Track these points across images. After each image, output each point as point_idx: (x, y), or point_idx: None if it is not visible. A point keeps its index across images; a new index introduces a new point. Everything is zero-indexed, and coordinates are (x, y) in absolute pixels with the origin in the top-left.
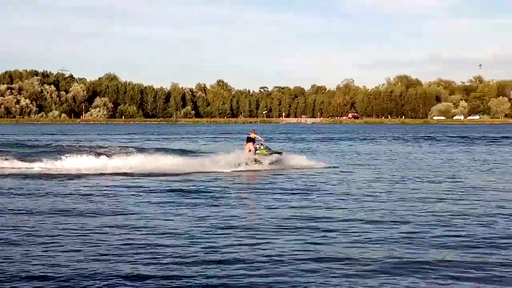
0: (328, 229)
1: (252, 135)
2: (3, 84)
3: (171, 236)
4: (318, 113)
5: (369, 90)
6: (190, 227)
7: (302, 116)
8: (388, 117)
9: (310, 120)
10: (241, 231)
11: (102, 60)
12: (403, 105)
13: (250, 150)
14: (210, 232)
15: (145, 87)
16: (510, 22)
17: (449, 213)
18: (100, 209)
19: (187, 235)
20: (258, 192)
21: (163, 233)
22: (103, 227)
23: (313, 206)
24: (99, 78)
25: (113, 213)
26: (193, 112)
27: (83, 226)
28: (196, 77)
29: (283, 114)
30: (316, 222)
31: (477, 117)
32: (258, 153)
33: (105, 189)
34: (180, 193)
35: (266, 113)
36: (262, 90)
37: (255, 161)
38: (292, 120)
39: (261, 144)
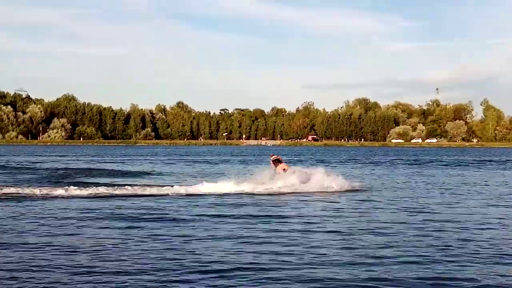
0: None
1: (278, 157)
2: None
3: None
4: (279, 135)
5: (329, 113)
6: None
7: (263, 138)
8: (347, 140)
9: (270, 142)
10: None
11: (61, 80)
12: (362, 127)
13: (285, 170)
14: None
15: (104, 108)
16: (464, 45)
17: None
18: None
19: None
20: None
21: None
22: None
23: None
24: (57, 99)
25: None
26: (152, 133)
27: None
28: (156, 99)
29: (244, 136)
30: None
31: (434, 140)
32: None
33: None
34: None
35: (226, 135)
36: (222, 112)
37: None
38: (253, 142)
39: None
